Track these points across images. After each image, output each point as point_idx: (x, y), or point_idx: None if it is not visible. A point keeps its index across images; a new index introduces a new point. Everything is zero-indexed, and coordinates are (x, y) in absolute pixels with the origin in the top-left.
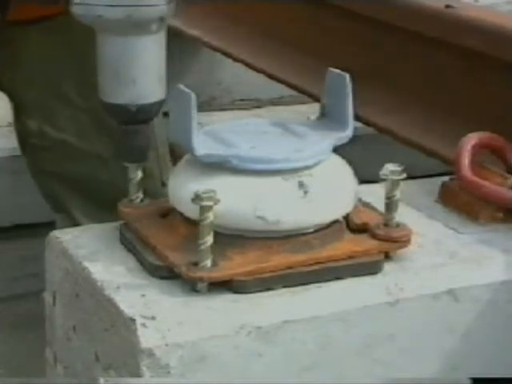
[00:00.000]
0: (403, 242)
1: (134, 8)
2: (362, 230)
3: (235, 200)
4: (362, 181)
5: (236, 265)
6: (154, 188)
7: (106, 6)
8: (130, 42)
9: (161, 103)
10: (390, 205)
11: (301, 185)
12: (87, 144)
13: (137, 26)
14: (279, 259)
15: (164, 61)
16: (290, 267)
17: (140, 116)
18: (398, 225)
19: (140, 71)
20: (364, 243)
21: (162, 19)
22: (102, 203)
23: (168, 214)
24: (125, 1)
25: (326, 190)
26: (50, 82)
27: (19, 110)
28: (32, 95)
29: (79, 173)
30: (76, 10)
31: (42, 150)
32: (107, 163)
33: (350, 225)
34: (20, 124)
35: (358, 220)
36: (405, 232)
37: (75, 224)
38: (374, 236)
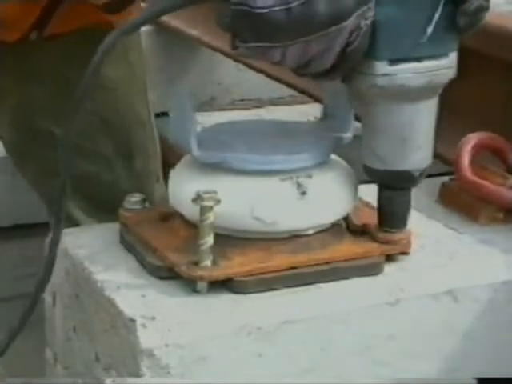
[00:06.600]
0: (403, 244)
1: (434, 73)
2: (361, 231)
3: (233, 200)
4: (362, 181)
5: (236, 264)
6: (151, 184)
7: (410, 74)
8: (418, 107)
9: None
10: None
11: (299, 186)
12: (92, 144)
13: (432, 91)
14: (279, 260)
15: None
16: (290, 268)
17: (419, 180)
18: None
19: (425, 136)
20: (364, 245)
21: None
22: (103, 204)
23: (168, 218)
24: (426, 67)
25: (325, 191)
26: (60, 83)
27: (28, 109)
28: (42, 94)
29: (83, 172)
30: (379, 81)
31: (48, 148)
32: (111, 163)
33: (350, 226)
34: (28, 122)
35: (357, 221)
36: (404, 235)
37: (73, 226)
38: (374, 239)
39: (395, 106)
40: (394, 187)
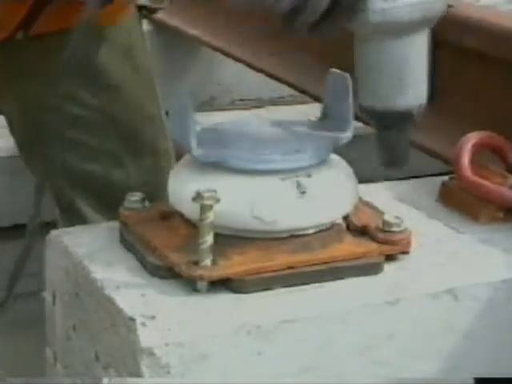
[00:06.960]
0: (403, 244)
1: (427, 6)
2: (361, 231)
3: (232, 200)
4: (362, 181)
5: (236, 264)
6: (164, 180)
7: (403, 8)
8: (413, 42)
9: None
10: None
11: (298, 185)
12: (100, 143)
13: (426, 24)
14: (279, 259)
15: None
16: (290, 267)
17: (417, 117)
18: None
19: (420, 71)
20: (364, 245)
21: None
22: (113, 201)
23: (168, 217)
24: (419, 1)
25: (325, 190)
26: (48, 81)
27: (24, 106)
28: (32, 92)
29: (92, 171)
30: (374, 17)
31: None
32: (120, 161)
33: (350, 225)
34: (29, 119)
35: (357, 222)
36: (404, 235)
37: (82, 223)
38: (374, 239)
39: (390, 42)
40: (394, 126)
